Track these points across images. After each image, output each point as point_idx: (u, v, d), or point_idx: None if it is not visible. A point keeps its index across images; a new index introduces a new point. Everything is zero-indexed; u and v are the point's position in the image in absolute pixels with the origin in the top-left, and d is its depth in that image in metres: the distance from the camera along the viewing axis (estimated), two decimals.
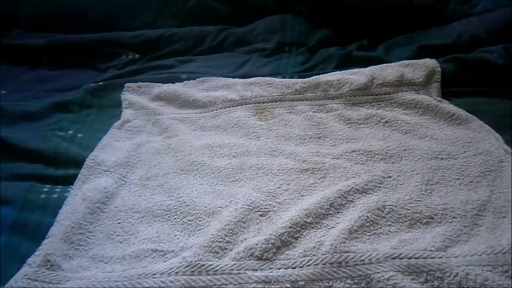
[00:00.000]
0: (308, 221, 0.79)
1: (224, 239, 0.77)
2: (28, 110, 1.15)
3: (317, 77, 1.14)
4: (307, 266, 0.72)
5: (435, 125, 0.99)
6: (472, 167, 0.87)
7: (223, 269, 0.73)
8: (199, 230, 0.81)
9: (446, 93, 1.07)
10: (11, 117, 1.12)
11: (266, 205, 0.83)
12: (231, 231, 0.78)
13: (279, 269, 0.72)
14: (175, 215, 0.84)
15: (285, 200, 0.84)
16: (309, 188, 0.87)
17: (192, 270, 0.73)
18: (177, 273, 0.72)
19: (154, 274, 0.73)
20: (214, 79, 1.19)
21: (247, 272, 0.72)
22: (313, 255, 0.73)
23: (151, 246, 0.78)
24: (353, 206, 0.81)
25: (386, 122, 1.01)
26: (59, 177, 0.96)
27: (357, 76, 1.11)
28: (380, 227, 0.78)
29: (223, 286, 0.71)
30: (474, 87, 1.09)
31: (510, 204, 0.78)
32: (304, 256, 0.73)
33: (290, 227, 0.77)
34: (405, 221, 0.78)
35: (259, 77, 1.17)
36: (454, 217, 0.78)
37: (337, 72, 1.16)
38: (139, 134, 1.05)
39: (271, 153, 0.95)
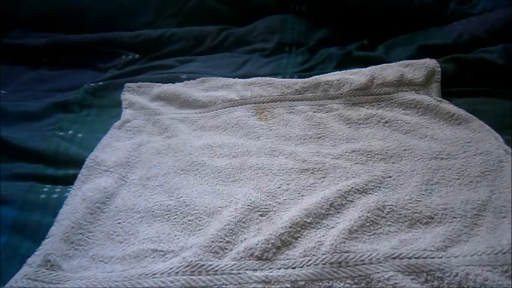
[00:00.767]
0: (308, 221, 0.79)
1: (224, 239, 0.77)
2: (28, 110, 1.15)
3: (317, 77, 1.14)
4: (307, 266, 0.72)
5: (435, 125, 0.99)
6: (472, 167, 0.87)
7: (223, 269, 0.73)
8: (199, 230, 0.80)
9: (446, 93, 1.07)
10: (11, 117, 1.12)
11: (266, 205, 0.83)
12: (231, 231, 0.78)
13: (279, 269, 0.72)
14: (175, 215, 0.84)
15: (285, 200, 0.84)
16: (309, 188, 0.87)
17: (192, 270, 0.72)
18: (177, 273, 0.72)
19: (154, 274, 0.73)
20: (214, 79, 1.19)
21: (247, 272, 0.72)
22: (313, 255, 0.73)
23: (151, 246, 0.78)
24: (353, 206, 0.81)
25: (386, 122, 1.01)
26: (59, 177, 0.96)
27: (357, 76, 1.11)
28: (380, 227, 0.78)
29: (223, 286, 0.71)
30: (474, 87, 1.09)
31: (510, 204, 0.78)
32: (304, 256, 0.73)
33: (290, 227, 0.77)
34: (405, 221, 0.78)
35: (259, 77, 1.17)
36: (454, 217, 0.78)
37: (337, 72, 1.16)
38: (139, 134, 1.05)
39: (271, 153, 0.95)
